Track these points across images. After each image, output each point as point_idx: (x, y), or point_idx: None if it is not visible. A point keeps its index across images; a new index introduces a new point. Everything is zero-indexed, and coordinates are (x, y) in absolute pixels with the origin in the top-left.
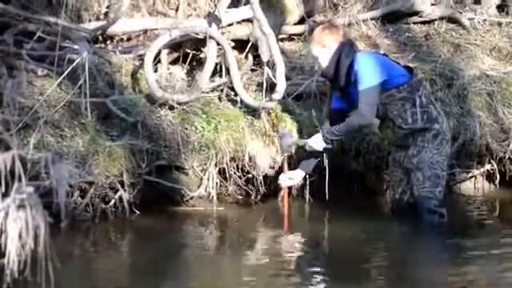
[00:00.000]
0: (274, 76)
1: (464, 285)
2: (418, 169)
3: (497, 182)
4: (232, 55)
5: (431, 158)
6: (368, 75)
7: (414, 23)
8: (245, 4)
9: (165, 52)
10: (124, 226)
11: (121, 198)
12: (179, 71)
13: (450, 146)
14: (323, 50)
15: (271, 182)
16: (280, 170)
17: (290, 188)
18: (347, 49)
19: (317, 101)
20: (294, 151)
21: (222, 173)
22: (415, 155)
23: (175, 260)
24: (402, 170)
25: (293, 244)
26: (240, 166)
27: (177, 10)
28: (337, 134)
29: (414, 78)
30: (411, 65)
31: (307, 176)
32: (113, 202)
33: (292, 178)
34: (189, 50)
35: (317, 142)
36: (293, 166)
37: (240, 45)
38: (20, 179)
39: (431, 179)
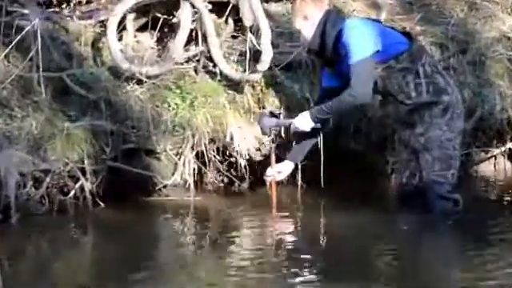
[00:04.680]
0: (259, 43)
1: (480, 284)
2: (426, 149)
3: None
4: (210, 20)
5: (441, 135)
6: (359, 46)
7: None
8: None
9: (131, 17)
10: (86, 221)
11: (82, 188)
12: (148, 39)
13: (463, 121)
14: (306, 22)
15: (257, 166)
16: (268, 157)
17: None
18: (333, 17)
19: (309, 71)
20: (277, 134)
21: (200, 157)
22: (422, 133)
23: (147, 259)
24: (409, 151)
25: (282, 238)
26: (221, 149)
27: None
28: (327, 111)
29: (414, 45)
30: (418, 28)
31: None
32: (73, 192)
33: (281, 172)
34: (159, 15)
35: (303, 122)
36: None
37: (219, 7)
38: None
39: (442, 160)
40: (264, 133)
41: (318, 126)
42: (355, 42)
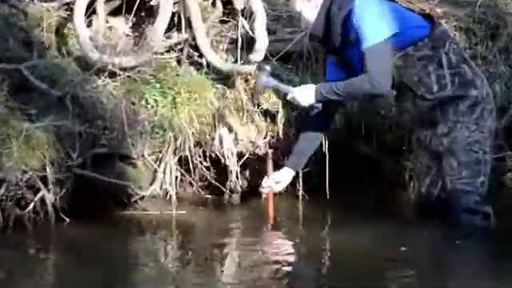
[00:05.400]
0: (252, 29)
1: None
2: (451, 152)
3: None
4: (194, 2)
5: (468, 136)
6: (373, 28)
7: None
8: None
9: None
10: (48, 239)
11: (43, 201)
12: (122, 25)
13: (494, 119)
14: (307, 3)
15: (251, 174)
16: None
17: None
18: None
19: (311, 62)
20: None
21: (183, 163)
22: (446, 134)
23: (120, 285)
24: (430, 155)
25: (281, 259)
26: (208, 154)
27: None
28: (336, 92)
29: (436, 29)
30: (439, 10)
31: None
32: (32, 205)
33: (279, 182)
34: None
35: (305, 95)
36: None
37: None
38: None
39: (470, 166)
40: (258, 91)
41: (319, 105)
42: (368, 23)
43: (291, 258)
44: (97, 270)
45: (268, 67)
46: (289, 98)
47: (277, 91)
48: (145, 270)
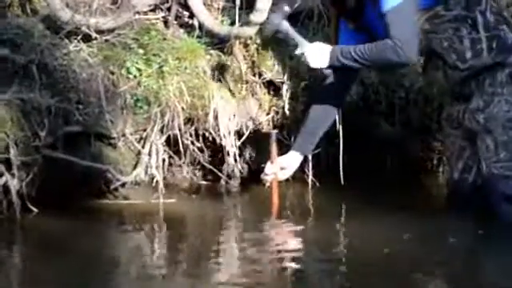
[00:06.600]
0: None
1: None
2: (488, 131)
3: None
4: None
5: (508, 111)
6: None
7: None
8: None
9: None
10: (12, 233)
11: (6, 188)
12: None
13: None
14: None
15: (252, 157)
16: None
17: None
18: None
19: (323, 24)
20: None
21: (172, 144)
22: (482, 109)
23: (99, 285)
24: (463, 134)
25: (287, 257)
26: (201, 133)
27: None
28: (355, 57)
29: None
30: None
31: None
32: None
33: (285, 168)
34: None
35: (318, 55)
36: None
37: None
38: None
39: (509, 147)
40: (266, 31)
41: (328, 72)
42: None
43: (298, 255)
44: (70, 269)
45: (287, 7)
46: (297, 52)
47: (287, 38)
48: (127, 270)
